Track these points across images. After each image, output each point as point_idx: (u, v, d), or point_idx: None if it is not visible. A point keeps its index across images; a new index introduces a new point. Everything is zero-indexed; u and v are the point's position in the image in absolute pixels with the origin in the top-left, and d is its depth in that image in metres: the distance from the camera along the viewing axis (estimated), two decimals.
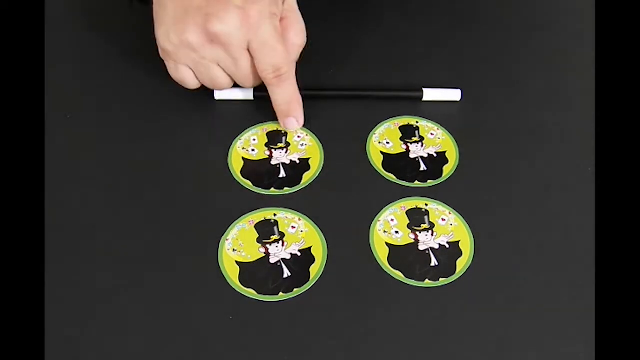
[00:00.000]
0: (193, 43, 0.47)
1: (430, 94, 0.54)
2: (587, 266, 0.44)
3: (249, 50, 0.48)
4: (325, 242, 0.45)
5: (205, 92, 0.54)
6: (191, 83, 0.50)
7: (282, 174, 0.49)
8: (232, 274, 0.43)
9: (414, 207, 0.48)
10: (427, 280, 0.44)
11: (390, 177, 0.49)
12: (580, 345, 0.41)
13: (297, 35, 0.50)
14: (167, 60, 0.49)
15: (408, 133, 0.52)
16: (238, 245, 0.45)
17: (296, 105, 0.51)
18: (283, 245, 0.45)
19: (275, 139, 0.52)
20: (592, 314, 0.42)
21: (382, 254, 0.45)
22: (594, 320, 0.41)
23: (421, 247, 0.45)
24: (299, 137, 0.52)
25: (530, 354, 0.41)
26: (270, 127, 0.52)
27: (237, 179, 0.49)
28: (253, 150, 0.51)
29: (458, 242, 0.46)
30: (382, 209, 0.47)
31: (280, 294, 0.43)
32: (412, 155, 0.51)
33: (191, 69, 0.49)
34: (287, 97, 0.50)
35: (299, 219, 0.46)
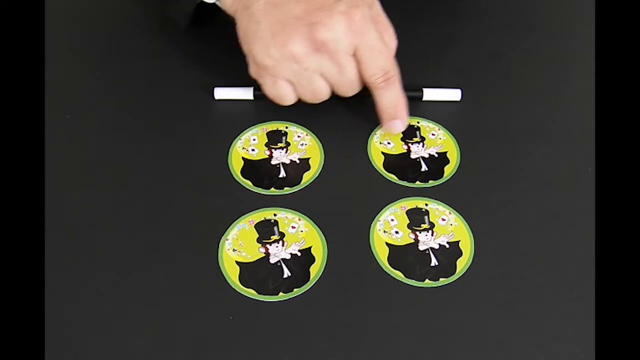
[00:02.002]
0: (298, 54, 0.46)
1: (430, 94, 0.54)
2: (587, 266, 0.44)
3: (354, 56, 0.47)
4: (325, 242, 0.45)
5: (205, 92, 0.54)
6: (289, 98, 0.49)
7: (282, 174, 0.49)
8: (232, 274, 0.43)
9: (414, 207, 0.48)
10: (427, 280, 0.44)
11: (392, 177, 0.49)
12: (580, 345, 0.41)
13: (391, 39, 0.50)
14: (263, 76, 0.48)
15: (409, 133, 0.52)
16: (238, 245, 0.45)
17: (403, 107, 0.50)
18: (283, 245, 0.45)
19: (275, 138, 0.52)
20: (592, 314, 0.42)
21: (382, 254, 0.45)
22: (594, 320, 0.41)
23: (421, 247, 0.45)
24: (299, 136, 0.52)
25: (530, 354, 0.41)
26: (270, 127, 0.52)
27: (237, 179, 0.49)
28: (253, 150, 0.51)
29: (458, 242, 0.46)
30: (382, 209, 0.47)
31: (280, 294, 0.43)
32: (413, 156, 0.51)
33: (291, 83, 0.48)
34: (394, 100, 0.50)
35: (299, 219, 0.46)
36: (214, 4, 0.51)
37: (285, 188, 0.48)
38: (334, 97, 0.54)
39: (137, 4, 0.59)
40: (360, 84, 0.49)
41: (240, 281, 0.43)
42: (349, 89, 0.49)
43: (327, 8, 0.46)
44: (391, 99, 0.49)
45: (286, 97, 0.49)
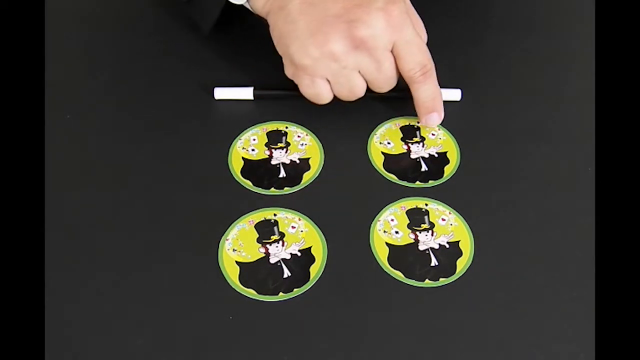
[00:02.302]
0: (337, 52, 0.46)
1: None
2: (587, 266, 0.44)
3: (391, 52, 0.48)
4: (325, 242, 0.45)
5: (205, 92, 0.54)
6: (326, 97, 0.49)
7: (282, 174, 0.49)
8: (232, 274, 0.43)
9: (414, 207, 0.48)
10: (427, 280, 0.44)
11: (392, 177, 0.49)
12: (580, 345, 0.41)
13: (423, 32, 0.51)
14: (301, 76, 0.48)
15: (409, 133, 0.52)
16: (238, 245, 0.45)
17: (440, 100, 0.51)
18: (283, 245, 0.45)
19: (275, 138, 0.52)
20: (592, 314, 0.42)
21: (382, 254, 0.45)
22: (594, 320, 0.41)
23: (421, 247, 0.45)
24: (299, 136, 0.52)
25: (530, 354, 0.41)
26: (270, 126, 0.52)
27: (237, 179, 0.49)
28: (253, 150, 0.51)
29: (458, 242, 0.46)
30: (382, 209, 0.47)
31: (280, 294, 0.43)
32: (413, 156, 0.51)
33: (328, 82, 0.48)
34: (432, 93, 0.50)
35: (299, 219, 0.46)
36: (241, 6, 0.51)
37: (285, 188, 0.48)
38: (334, 97, 0.54)
39: (147, 5, 0.59)
40: (396, 79, 0.50)
41: (240, 281, 0.43)
42: (386, 84, 0.49)
43: (365, 5, 0.46)
44: (429, 93, 0.50)
45: (324, 95, 0.49)
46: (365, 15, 0.45)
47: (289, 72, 0.49)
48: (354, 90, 0.49)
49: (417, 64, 0.48)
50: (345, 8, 0.46)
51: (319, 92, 0.49)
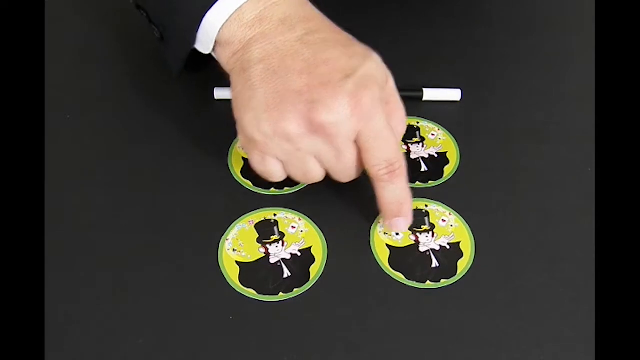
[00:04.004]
0: (291, 133, 0.41)
1: (430, 94, 0.54)
2: (587, 266, 0.44)
3: (355, 142, 0.42)
4: (325, 242, 0.45)
5: (205, 92, 0.54)
6: (278, 176, 0.44)
7: None
8: (232, 274, 0.43)
9: (414, 208, 0.47)
10: (428, 282, 0.44)
11: None
12: (580, 345, 0.41)
13: (400, 124, 0.45)
14: (251, 150, 0.43)
15: (409, 133, 0.52)
16: (238, 245, 0.45)
17: (408, 204, 0.44)
18: (283, 245, 0.45)
19: None
20: (592, 314, 0.42)
21: (382, 256, 0.45)
22: (594, 320, 0.41)
23: (422, 249, 0.45)
24: None
25: (531, 354, 0.41)
26: None
27: (237, 179, 0.49)
28: None
29: (459, 243, 0.46)
30: None
31: (280, 294, 0.43)
32: (412, 156, 0.51)
33: (281, 161, 0.43)
34: (398, 196, 0.44)
35: (299, 219, 0.46)
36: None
37: (285, 188, 0.48)
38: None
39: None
40: (358, 172, 0.44)
41: (240, 281, 0.43)
42: (345, 175, 0.44)
43: (332, 85, 0.40)
44: (394, 194, 0.43)
45: (274, 174, 0.44)
46: (329, 98, 0.40)
47: (241, 141, 0.44)
48: (308, 175, 0.44)
49: (382, 160, 0.42)
50: (310, 85, 0.40)
51: (269, 170, 0.44)
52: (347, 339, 0.41)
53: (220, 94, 0.54)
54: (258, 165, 0.44)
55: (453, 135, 0.52)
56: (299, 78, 0.41)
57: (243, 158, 0.50)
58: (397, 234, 0.46)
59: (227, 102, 0.54)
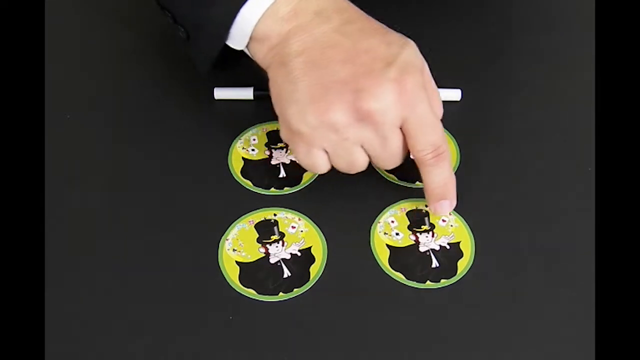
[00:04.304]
0: (338, 123, 0.41)
1: None
2: (587, 266, 0.44)
3: (400, 128, 0.42)
4: (325, 242, 0.45)
5: (205, 92, 0.54)
6: (323, 168, 0.44)
7: (282, 173, 0.49)
8: (232, 274, 0.43)
9: (414, 208, 0.48)
10: (428, 282, 0.44)
11: (392, 177, 0.49)
12: (580, 345, 0.41)
13: (439, 107, 0.45)
14: (297, 143, 0.43)
15: None
16: (238, 245, 0.45)
17: (452, 186, 0.45)
18: (283, 245, 0.45)
19: (275, 138, 0.52)
20: (592, 314, 0.42)
21: (382, 256, 0.45)
22: (594, 320, 0.41)
23: (422, 249, 0.45)
24: None
25: (531, 354, 0.41)
26: (270, 127, 0.52)
27: (237, 179, 0.49)
28: (253, 150, 0.51)
29: (459, 243, 0.46)
30: (382, 210, 0.47)
31: (280, 294, 0.43)
32: (412, 156, 0.51)
33: (326, 152, 0.43)
34: (444, 178, 0.44)
35: (299, 219, 0.46)
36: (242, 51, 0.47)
37: (285, 188, 0.48)
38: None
39: (147, 5, 0.59)
40: (403, 158, 0.44)
41: (240, 281, 0.43)
42: (391, 162, 0.44)
43: (376, 74, 0.41)
44: (441, 178, 0.44)
45: (320, 166, 0.44)
46: (374, 86, 0.40)
47: (284, 135, 0.44)
48: (354, 164, 0.44)
49: (428, 144, 0.43)
50: (354, 75, 0.41)
51: (315, 163, 0.44)
52: (347, 339, 0.41)
53: (220, 94, 0.54)
54: (304, 158, 0.44)
55: (453, 135, 0.52)
56: (342, 68, 0.41)
57: (243, 158, 0.50)
58: (397, 233, 0.46)
59: (227, 102, 0.54)
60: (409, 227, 0.46)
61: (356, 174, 0.49)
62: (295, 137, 0.43)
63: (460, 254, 0.45)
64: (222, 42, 0.46)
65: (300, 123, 0.42)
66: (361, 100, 0.40)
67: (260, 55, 0.45)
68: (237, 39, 0.45)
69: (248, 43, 0.45)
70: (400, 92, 0.41)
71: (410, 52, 0.43)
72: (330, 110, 0.41)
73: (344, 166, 0.44)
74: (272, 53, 0.44)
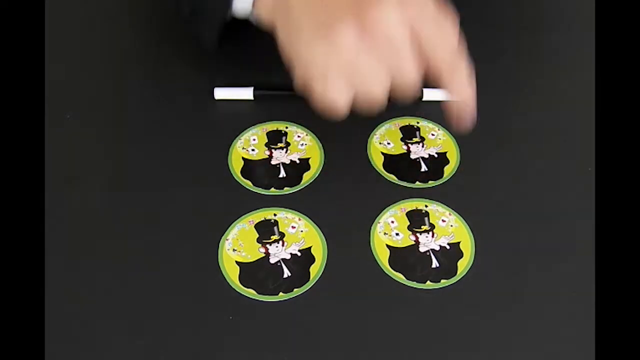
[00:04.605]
0: (345, 41, 0.39)
1: (430, 94, 0.54)
2: (587, 266, 0.44)
3: (412, 42, 0.40)
4: (325, 242, 0.45)
5: (205, 92, 0.54)
6: (343, 101, 0.41)
7: (282, 174, 0.49)
8: (232, 274, 0.43)
9: (414, 208, 0.47)
10: (428, 282, 0.44)
11: (392, 177, 0.49)
12: (581, 345, 0.41)
13: (452, 25, 0.43)
14: (312, 81, 0.41)
15: (409, 134, 0.52)
16: (238, 245, 0.45)
17: (473, 98, 0.43)
18: (283, 245, 0.45)
19: (275, 138, 0.52)
20: (592, 313, 0.42)
21: (382, 256, 0.45)
22: (594, 320, 0.41)
23: (422, 249, 0.45)
24: (299, 136, 0.52)
25: (531, 354, 0.41)
26: (270, 126, 0.52)
27: (237, 179, 0.49)
28: (253, 150, 0.51)
29: (459, 243, 0.46)
30: (382, 210, 0.47)
31: (280, 294, 0.43)
32: (412, 156, 0.51)
33: (343, 84, 0.41)
34: (466, 88, 0.43)
35: (299, 219, 0.46)
36: (245, 19, 0.47)
37: (285, 188, 0.48)
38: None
39: (147, 5, 0.59)
40: (419, 75, 0.41)
41: (240, 281, 0.43)
42: (409, 79, 0.41)
43: None
44: (461, 87, 0.43)
45: (339, 101, 0.41)
46: (377, 2, 0.39)
47: (299, 81, 0.42)
48: (373, 89, 0.41)
49: (445, 49, 0.41)
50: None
51: (333, 97, 0.41)
52: (347, 339, 0.41)
53: (220, 94, 0.54)
54: (321, 95, 0.41)
55: (453, 135, 0.52)
56: None
57: (243, 158, 0.50)
58: (397, 234, 0.46)
59: (227, 102, 0.54)
60: (409, 228, 0.46)
61: (355, 174, 0.49)
62: (309, 73, 0.41)
63: (460, 254, 0.45)
64: (230, 5, 0.46)
65: (310, 54, 0.41)
66: (364, 12, 0.39)
67: (266, 10, 0.45)
68: (240, 4, 0.46)
69: (253, 2, 0.46)
70: (401, 1, 0.40)
71: None
72: (335, 32, 0.39)
73: (365, 91, 0.41)
74: (277, 3, 0.44)
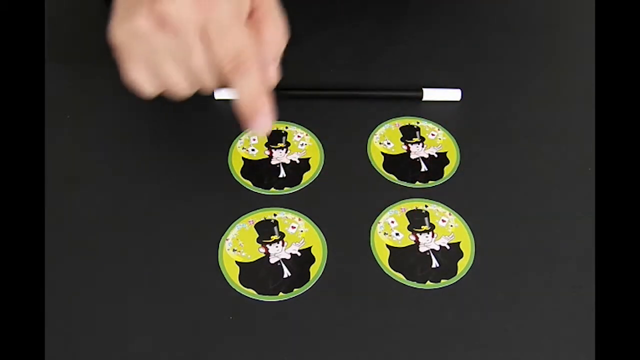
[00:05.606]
0: (140, 29, 0.40)
1: (430, 94, 0.54)
2: (587, 266, 0.44)
3: (203, 38, 0.40)
4: (325, 242, 0.45)
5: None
6: (146, 85, 0.42)
7: (282, 174, 0.49)
8: (232, 274, 0.43)
9: (414, 208, 0.48)
10: (428, 282, 0.44)
11: (392, 177, 0.49)
12: (581, 345, 0.41)
13: (274, 31, 0.43)
14: (121, 60, 0.42)
15: (409, 134, 0.52)
16: (238, 245, 0.45)
17: (263, 102, 0.42)
18: (283, 245, 0.45)
19: (275, 138, 0.52)
20: (592, 314, 0.42)
21: (382, 256, 0.45)
22: (594, 321, 0.41)
23: (422, 249, 0.45)
24: (299, 136, 0.52)
25: (531, 354, 0.41)
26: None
27: (237, 179, 0.49)
28: (253, 150, 0.51)
29: (459, 243, 0.46)
30: (382, 210, 0.47)
31: (280, 294, 0.43)
32: (412, 156, 0.51)
33: (146, 69, 0.42)
34: (250, 92, 0.41)
35: (299, 219, 0.46)
36: None
37: (285, 188, 0.48)
38: (334, 98, 0.54)
39: None
40: (213, 74, 0.42)
41: (240, 281, 0.43)
42: (204, 78, 0.42)
43: None
44: (248, 89, 0.41)
45: (142, 84, 0.42)
46: None
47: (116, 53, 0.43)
48: (168, 79, 0.42)
49: (228, 50, 0.40)
50: None
51: (135, 79, 0.42)
52: (347, 339, 0.41)
53: (220, 94, 0.54)
54: (127, 74, 0.42)
55: (453, 135, 0.52)
56: None
57: (243, 158, 0.50)
58: (397, 234, 0.46)
59: (228, 102, 0.54)
60: (409, 228, 0.46)
61: (355, 174, 0.49)
62: (118, 52, 0.42)
63: (460, 254, 0.45)
64: None
65: (116, 35, 0.42)
66: (157, 3, 0.39)
67: None
68: None
69: None
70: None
71: None
72: (133, 17, 0.40)
73: (161, 81, 0.42)
74: None
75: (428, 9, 0.63)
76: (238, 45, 0.41)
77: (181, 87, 0.43)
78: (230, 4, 0.40)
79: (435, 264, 0.45)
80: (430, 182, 0.49)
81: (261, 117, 0.42)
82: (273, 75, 0.44)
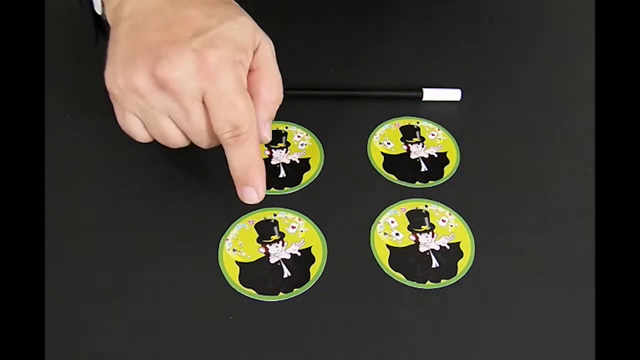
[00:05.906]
0: (139, 88, 0.40)
1: (430, 94, 0.54)
2: (587, 266, 0.44)
3: (204, 103, 0.41)
4: (325, 242, 0.45)
5: None
6: (140, 135, 0.43)
7: (282, 174, 0.49)
8: (232, 274, 0.43)
9: (414, 208, 0.48)
10: (428, 282, 0.44)
11: (392, 177, 0.49)
12: (581, 345, 0.41)
13: (270, 91, 0.43)
14: (114, 106, 0.43)
15: (409, 134, 0.52)
16: (238, 245, 0.45)
17: (256, 172, 0.43)
18: (283, 245, 0.45)
19: (275, 138, 0.52)
20: (592, 314, 0.42)
21: (382, 256, 0.45)
22: (594, 321, 0.41)
23: (422, 249, 0.45)
24: (299, 136, 0.52)
25: (530, 355, 0.41)
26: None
27: None
28: None
29: (459, 243, 0.46)
30: (382, 210, 0.47)
31: (280, 294, 0.43)
32: (412, 156, 0.51)
33: (140, 120, 0.43)
34: (245, 162, 0.42)
35: (299, 219, 0.46)
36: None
37: (285, 188, 0.48)
38: (334, 98, 0.54)
39: None
40: (212, 137, 0.42)
41: (240, 281, 0.43)
42: (200, 139, 0.42)
43: (179, 43, 0.40)
44: (241, 160, 0.42)
45: (136, 132, 0.43)
46: (174, 53, 0.39)
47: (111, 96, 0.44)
48: (166, 136, 0.42)
49: (226, 123, 0.40)
50: (161, 42, 0.40)
51: (129, 127, 0.43)
52: (347, 339, 0.41)
53: None
54: (120, 120, 0.43)
55: (453, 135, 0.52)
56: (155, 34, 0.40)
57: None
58: (397, 234, 0.46)
59: None
60: (409, 228, 0.46)
61: (355, 174, 0.49)
62: (112, 98, 0.43)
63: (460, 254, 0.45)
64: (90, 6, 0.48)
65: (112, 85, 0.42)
66: (159, 67, 0.39)
67: (109, 18, 0.45)
68: (96, 3, 0.47)
69: (102, 6, 0.46)
70: (200, 63, 0.39)
71: (230, 27, 0.41)
72: (133, 74, 0.40)
73: (158, 137, 0.43)
74: (112, 15, 0.44)
75: (428, 9, 0.63)
76: (237, 116, 0.41)
77: (177, 140, 0.43)
78: (234, 74, 0.40)
79: (435, 264, 0.45)
80: (430, 182, 0.49)
81: (251, 190, 0.43)
82: (267, 135, 0.44)
